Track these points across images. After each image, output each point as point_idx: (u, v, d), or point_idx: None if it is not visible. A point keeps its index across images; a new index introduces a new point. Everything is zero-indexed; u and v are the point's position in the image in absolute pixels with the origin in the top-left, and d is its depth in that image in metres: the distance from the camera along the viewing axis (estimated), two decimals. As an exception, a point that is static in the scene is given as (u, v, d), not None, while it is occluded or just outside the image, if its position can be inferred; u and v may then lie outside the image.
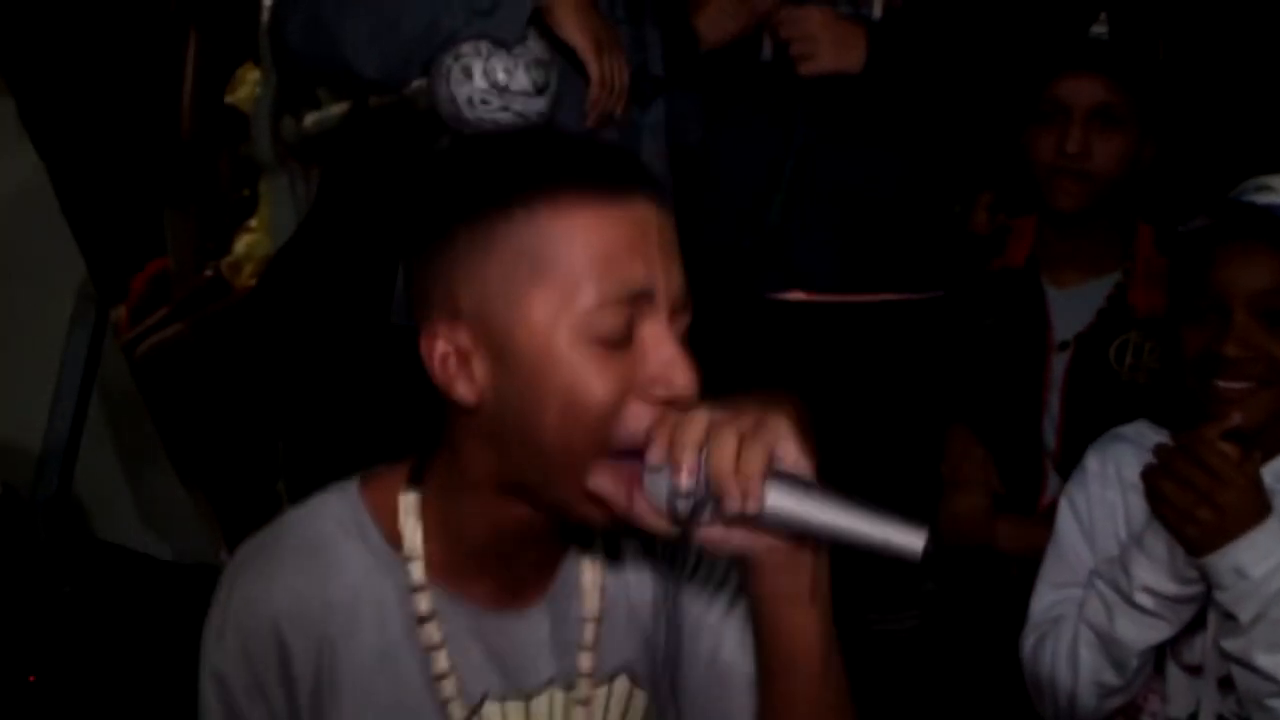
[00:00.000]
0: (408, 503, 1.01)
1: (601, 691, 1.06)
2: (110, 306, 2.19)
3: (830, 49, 1.82)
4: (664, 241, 0.94)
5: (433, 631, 1.01)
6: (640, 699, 1.08)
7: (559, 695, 1.05)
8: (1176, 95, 2.08)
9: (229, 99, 2.84)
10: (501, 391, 0.94)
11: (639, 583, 1.07)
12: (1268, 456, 1.43)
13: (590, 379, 0.91)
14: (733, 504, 0.88)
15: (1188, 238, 1.50)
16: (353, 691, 1.01)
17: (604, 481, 0.92)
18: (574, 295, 0.91)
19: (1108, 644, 1.47)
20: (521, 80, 1.62)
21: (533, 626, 1.04)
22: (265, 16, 2.65)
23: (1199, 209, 1.51)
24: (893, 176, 1.93)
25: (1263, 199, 1.44)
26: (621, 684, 1.07)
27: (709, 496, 0.89)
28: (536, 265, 0.92)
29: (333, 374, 2.04)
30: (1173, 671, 1.50)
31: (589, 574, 1.05)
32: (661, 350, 0.92)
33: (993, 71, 1.92)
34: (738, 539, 0.91)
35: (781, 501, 0.89)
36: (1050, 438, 1.96)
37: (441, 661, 1.01)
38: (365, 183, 2.17)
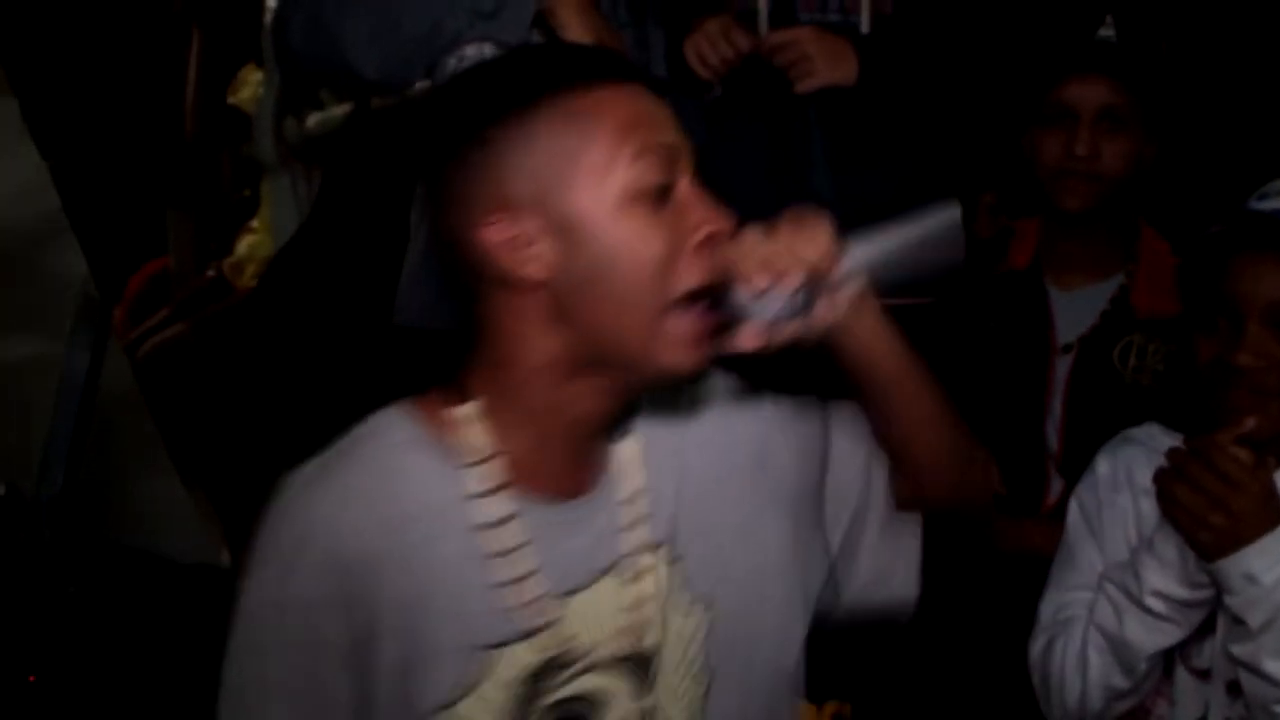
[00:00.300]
0: (465, 413, 1.05)
1: (650, 564, 1.10)
2: (113, 307, 2.18)
3: (824, 64, 1.82)
4: (665, 111, 1.07)
5: (516, 531, 1.04)
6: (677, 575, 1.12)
7: (609, 584, 1.08)
8: (1179, 96, 2.08)
9: (231, 100, 2.84)
10: (568, 263, 1.02)
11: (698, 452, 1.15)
12: None
13: (645, 234, 1.02)
14: (835, 288, 1.06)
15: (1201, 245, 1.50)
16: (440, 600, 1.02)
17: (685, 324, 1.03)
18: (615, 160, 1.02)
19: (1117, 647, 1.47)
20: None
21: (596, 509, 1.09)
22: (268, 17, 2.65)
23: (1211, 216, 1.51)
24: (892, 182, 1.92)
25: (1275, 206, 1.44)
26: (664, 554, 1.11)
27: (795, 292, 1.04)
28: (578, 142, 1.02)
29: (334, 374, 2.03)
30: (1181, 675, 1.50)
31: (633, 447, 1.11)
32: (694, 198, 1.05)
33: (990, 74, 1.92)
34: (832, 311, 1.07)
35: (855, 258, 1.07)
36: (1053, 440, 1.96)
37: (525, 561, 1.04)
38: (367, 184, 2.17)
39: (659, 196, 1.02)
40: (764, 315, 1.05)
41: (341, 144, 2.34)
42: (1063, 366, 1.96)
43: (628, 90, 1.05)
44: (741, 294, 1.04)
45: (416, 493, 1.03)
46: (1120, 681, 1.48)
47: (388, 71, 1.65)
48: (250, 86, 2.83)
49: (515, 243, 1.02)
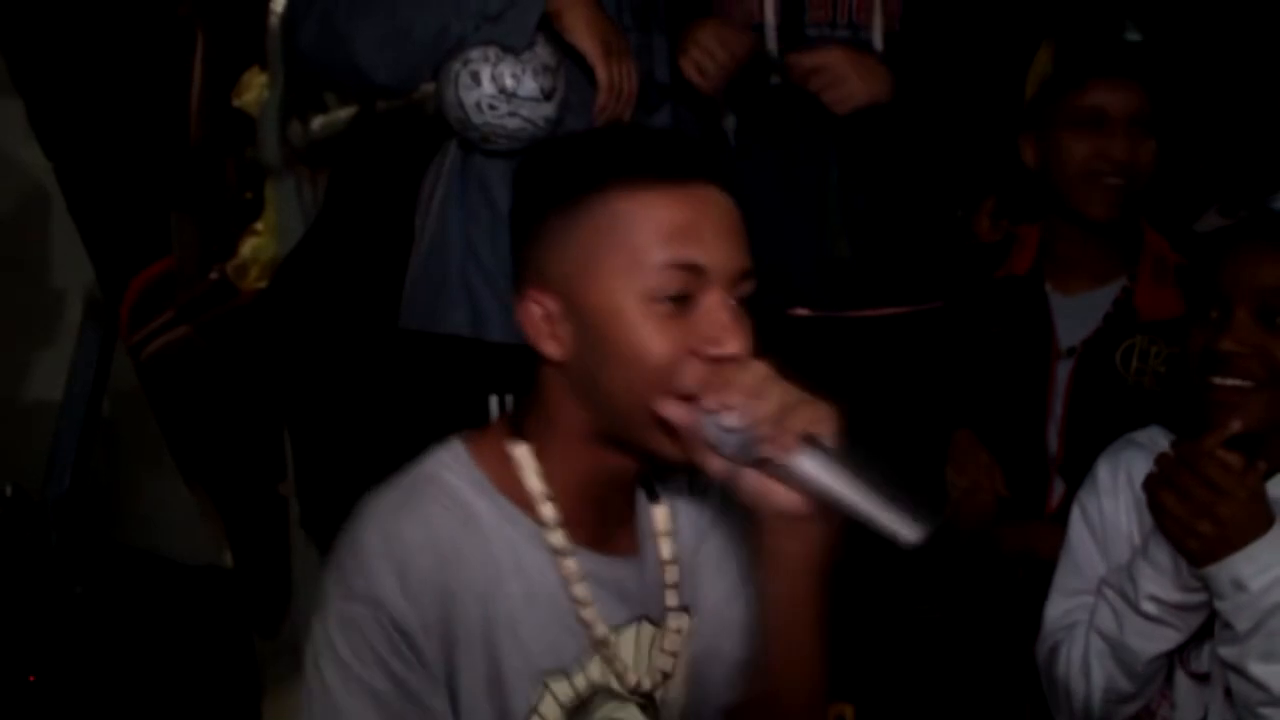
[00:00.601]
0: (522, 454, 1.13)
1: (681, 622, 1.19)
2: (119, 307, 2.19)
3: (860, 84, 1.81)
4: (722, 221, 1.09)
5: (573, 564, 1.12)
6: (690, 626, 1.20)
7: (647, 629, 1.17)
8: (1189, 100, 2.08)
9: (236, 103, 2.84)
10: (582, 348, 1.09)
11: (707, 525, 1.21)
12: (1273, 468, 1.43)
13: (652, 335, 1.06)
14: (770, 449, 1.01)
15: (1204, 240, 1.51)
16: (511, 636, 1.10)
17: (672, 410, 1.05)
18: (640, 262, 1.07)
19: (1118, 651, 1.47)
20: (529, 86, 1.62)
21: (630, 572, 1.16)
22: (272, 20, 2.66)
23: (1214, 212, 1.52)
24: (895, 193, 1.93)
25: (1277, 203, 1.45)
26: (686, 619, 1.19)
27: (751, 439, 1.01)
28: (611, 238, 1.08)
29: (341, 377, 2.04)
30: (1180, 679, 1.50)
31: (662, 515, 1.18)
32: (715, 315, 1.07)
33: (995, 82, 1.93)
34: (770, 490, 1.03)
35: (810, 463, 1.00)
36: (1054, 443, 1.96)
37: (583, 589, 1.12)
38: (373, 187, 2.17)
39: (679, 302, 1.07)
40: (709, 435, 1.03)
41: (347, 147, 2.34)
42: (1064, 370, 1.96)
43: (679, 194, 1.08)
44: (714, 416, 1.03)
45: (491, 532, 1.10)
46: (1124, 685, 1.49)
47: (398, 75, 1.65)
48: (255, 89, 2.84)
49: (545, 320, 1.10)
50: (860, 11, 1.85)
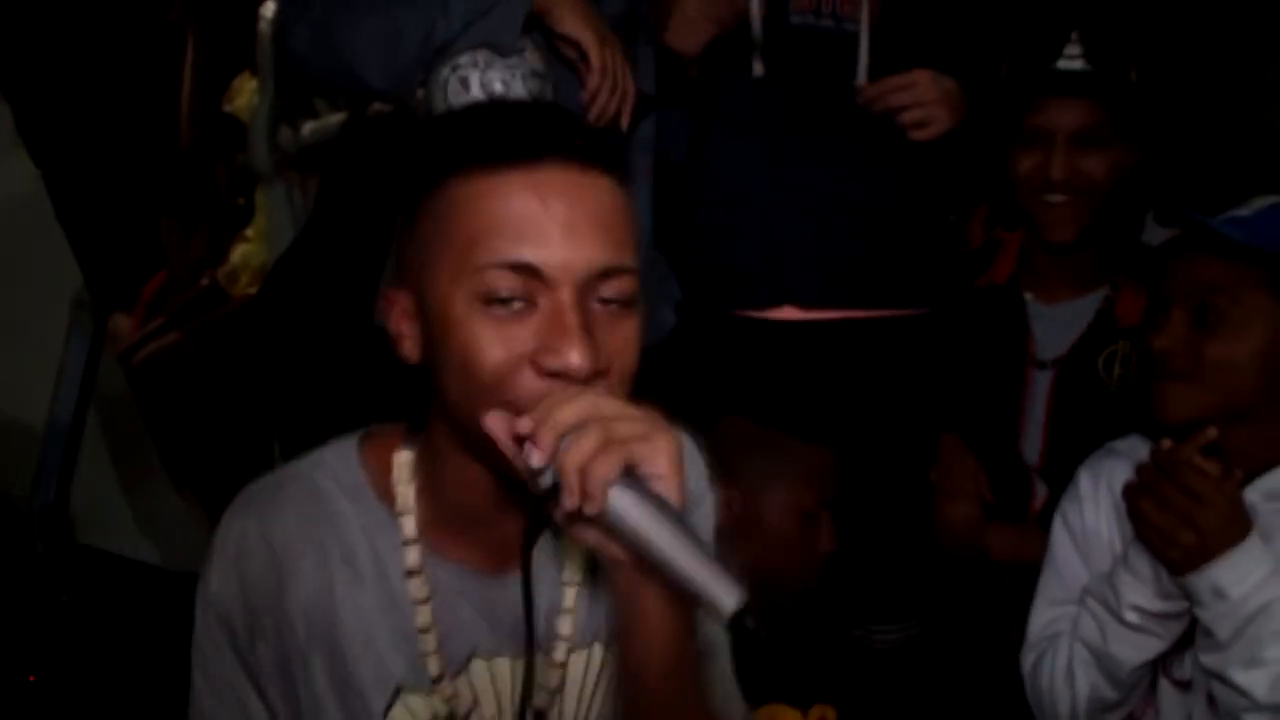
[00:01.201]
0: (401, 461, 1.05)
1: (580, 656, 1.09)
2: (107, 315, 2.18)
3: (945, 112, 1.82)
4: (573, 211, 0.94)
5: (419, 586, 1.03)
6: (602, 658, 1.10)
7: (541, 658, 1.06)
8: (1155, 108, 2.08)
9: (227, 108, 2.84)
10: (428, 351, 0.99)
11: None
12: (1251, 475, 1.45)
13: (481, 342, 0.94)
14: (569, 499, 0.88)
15: (1153, 250, 1.56)
16: (355, 637, 1.04)
17: (495, 425, 0.93)
18: (467, 260, 0.94)
19: (1102, 661, 1.48)
20: (519, 91, 1.60)
21: (506, 589, 1.05)
22: (263, 25, 2.65)
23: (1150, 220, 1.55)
24: (886, 191, 1.93)
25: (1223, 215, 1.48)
26: (597, 650, 1.10)
27: (557, 483, 0.89)
28: (443, 233, 0.96)
29: (329, 382, 2.03)
30: (1164, 686, 1.51)
31: (569, 541, 1.05)
32: (555, 322, 0.93)
33: (979, 88, 1.93)
34: (587, 534, 0.93)
35: (622, 512, 0.88)
36: (1034, 451, 1.97)
37: (424, 615, 1.04)
38: (362, 192, 2.17)
39: (517, 304, 0.94)
40: (523, 464, 0.92)
41: (337, 152, 2.34)
42: (1043, 380, 1.96)
43: (518, 181, 0.94)
44: (518, 427, 0.92)
45: (353, 537, 1.04)
46: (1108, 694, 1.49)
47: (390, 77, 1.62)
48: (245, 94, 2.83)
49: (401, 318, 1.02)
50: (845, 3, 1.85)
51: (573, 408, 0.89)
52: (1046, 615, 1.59)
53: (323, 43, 1.64)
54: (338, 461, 1.07)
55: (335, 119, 2.43)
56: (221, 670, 1.07)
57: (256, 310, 2.61)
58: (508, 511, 1.03)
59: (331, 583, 1.04)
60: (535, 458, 0.89)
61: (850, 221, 1.90)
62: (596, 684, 1.10)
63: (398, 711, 1.05)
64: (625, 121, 1.68)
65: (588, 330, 0.93)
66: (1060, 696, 1.52)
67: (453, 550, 1.05)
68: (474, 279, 0.94)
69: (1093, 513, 1.58)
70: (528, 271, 0.93)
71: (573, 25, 1.62)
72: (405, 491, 1.05)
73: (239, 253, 2.97)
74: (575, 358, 0.92)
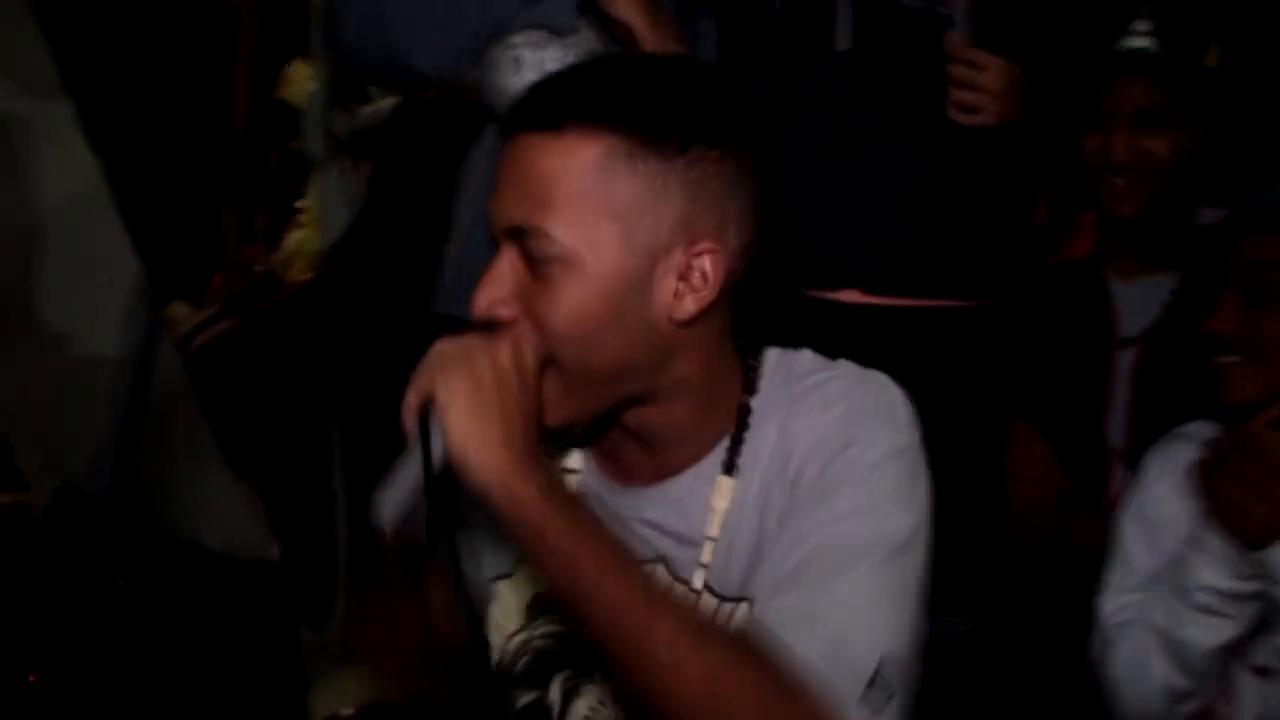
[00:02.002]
0: None
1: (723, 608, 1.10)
2: (166, 302, 2.21)
3: (997, 107, 1.76)
4: (511, 172, 1.03)
5: (569, 482, 1.14)
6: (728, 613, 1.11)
7: (660, 576, 1.09)
8: (1226, 88, 2.04)
9: (280, 94, 2.86)
10: None
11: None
12: None
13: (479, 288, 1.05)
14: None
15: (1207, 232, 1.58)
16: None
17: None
18: None
19: (1174, 647, 1.45)
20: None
21: (637, 503, 1.12)
22: (316, 11, 2.66)
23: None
24: (958, 178, 1.89)
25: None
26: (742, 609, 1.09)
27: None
28: None
29: (386, 366, 2.03)
30: (1240, 675, 1.48)
31: (724, 488, 1.09)
32: (488, 274, 1.04)
33: (1049, 70, 1.88)
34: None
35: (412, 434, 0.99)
36: (1118, 434, 1.93)
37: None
38: (415, 176, 2.17)
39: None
40: None
41: (390, 137, 2.34)
42: (1126, 359, 1.93)
43: (510, 148, 1.04)
44: None
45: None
46: (1180, 681, 1.47)
47: (441, 62, 1.61)
48: (299, 81, 2.85)
49: None
50: None
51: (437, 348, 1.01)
52: (1115, 603, 1.56)
53: (371, 30, 1.64)
54: None
55: (388, 103, 2.44)
56: None
57: (312, 296, 2.62)
58: (620, 438, 1.12)
59: None
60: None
61: (920, 207, 1.86)
62: None
63: (504, 582, 1.17)
64: None
65: (503, 280, 1.03)
66: (1130, 685, 1.50)
67: (606, 468, 1.15)
68: None
69: (1162, 498, 1.56)
70: (493, 226, 1.05)
71: (624, 8, 1.61)
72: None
73: (293, 239, 2.99)
74: (477, 301, 1.03)
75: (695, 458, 1.10)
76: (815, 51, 1.83)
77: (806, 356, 1.13)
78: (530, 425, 0.99)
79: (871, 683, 0.98)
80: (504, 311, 1.02)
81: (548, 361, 1.03)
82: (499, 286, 1.02)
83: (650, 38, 1.60)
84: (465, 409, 0.96)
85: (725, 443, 1.10)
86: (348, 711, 1.97)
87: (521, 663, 1.17)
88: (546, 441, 1.06)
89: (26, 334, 2.40)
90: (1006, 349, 1.97)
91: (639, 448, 1.11)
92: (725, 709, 0.92)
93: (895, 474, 1.05)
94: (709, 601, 1.09)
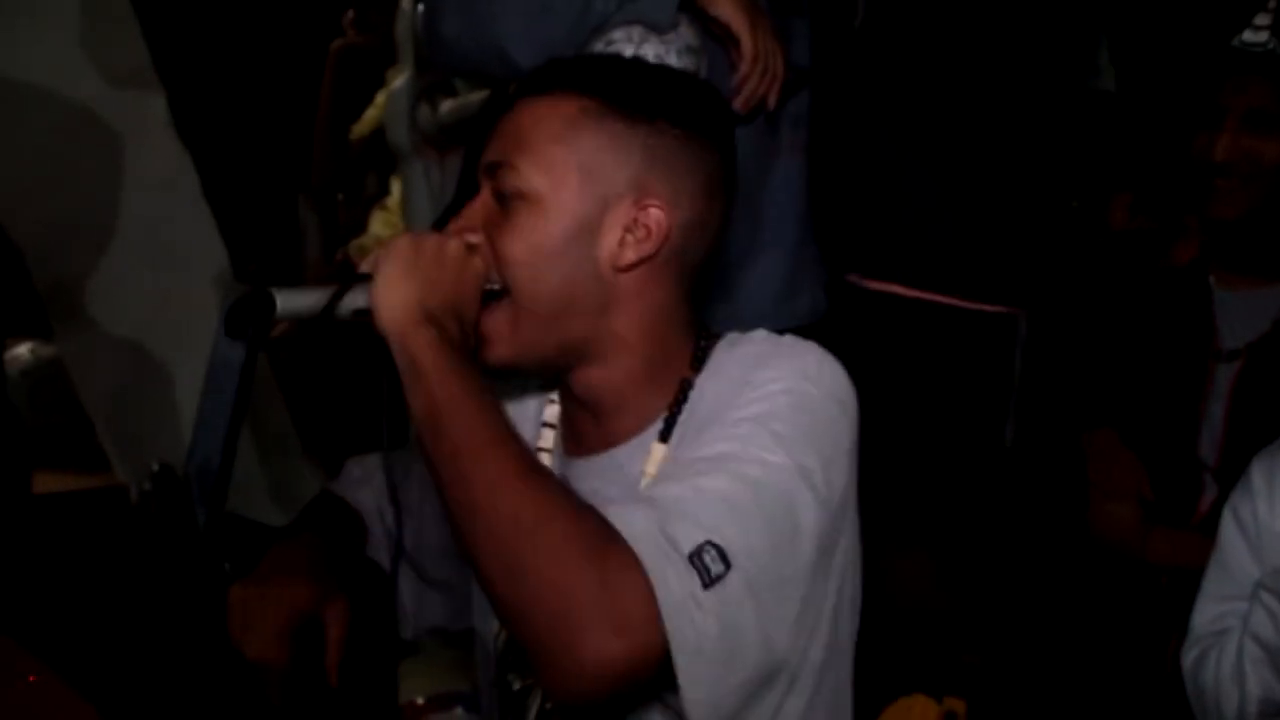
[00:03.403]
0: None
1: None
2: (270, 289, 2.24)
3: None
4: (507, 125, 1.14)
5: (544, 460, 1.21)
6: None
7: None
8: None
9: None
10: None
11: None
12: None
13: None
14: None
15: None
16: None
17: None
18: None
19: (1276, 658, 1.41)
20: (673, 66, 1.60)
21: (585, 474, 1.17)
22: (403, 5, 2.69)
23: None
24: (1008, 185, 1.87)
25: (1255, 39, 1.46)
26: None
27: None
28: None
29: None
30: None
31: (656, 454, 1.13)
32: (470, 208, 1.14)
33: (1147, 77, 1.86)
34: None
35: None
36: (1209, 449, 1.87)
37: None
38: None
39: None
40: None
41: (480, 130, 2.35)
42: (1225, 373, 1.86)
43: (519, 105, 1.15)
44: None
45: (523, 413, 1.24)
46: None
47: (541, 57, 1.61)
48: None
49: None
50: None
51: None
52: (1212, 611, 1.52)
53: (472, 25, 1.65)
54: None
55: (476, 97, 2.45)
56: None
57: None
58: (573, 407, 1.19)
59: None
60: None
61: (967, 209, 1.85)
62: None
63: None
64: (773, 102, 1.67)
65: (469, 212, 1.13)
66: (1227, 695, 1.46)
67: (565, 442, 1.22)
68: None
69: (1266, 507, 1.51)
70: (487, 166, 1.14)
71: (724, 8, 1.61)
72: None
73: (378, 222, 3.02)
74: (451, 227, 1.13)
75: (638, 428, 1.15)
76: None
77: (758, 335, 1.17)
78: (448, 306, 1.06)
79: (691, 557, 0.96)
80: (471, 238, 1.12)
81: (500, 293, 1.12)
82: (470, 218, 1.13)
83: (748, 36, 1.61)
84: (396, 265, 1.06)
85: (659, 422, 1.14)
86: (420, 699, 2.00)
87: (513, 648, 1.21)
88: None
89: (108, 319, 2.46)
90: (1089, 352, 1.94)
91: (589, 418, 1.18)
92: (527, 550, 0.94)
93: (787, 417, 1.06)
94: None
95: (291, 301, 1.12)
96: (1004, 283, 1.90)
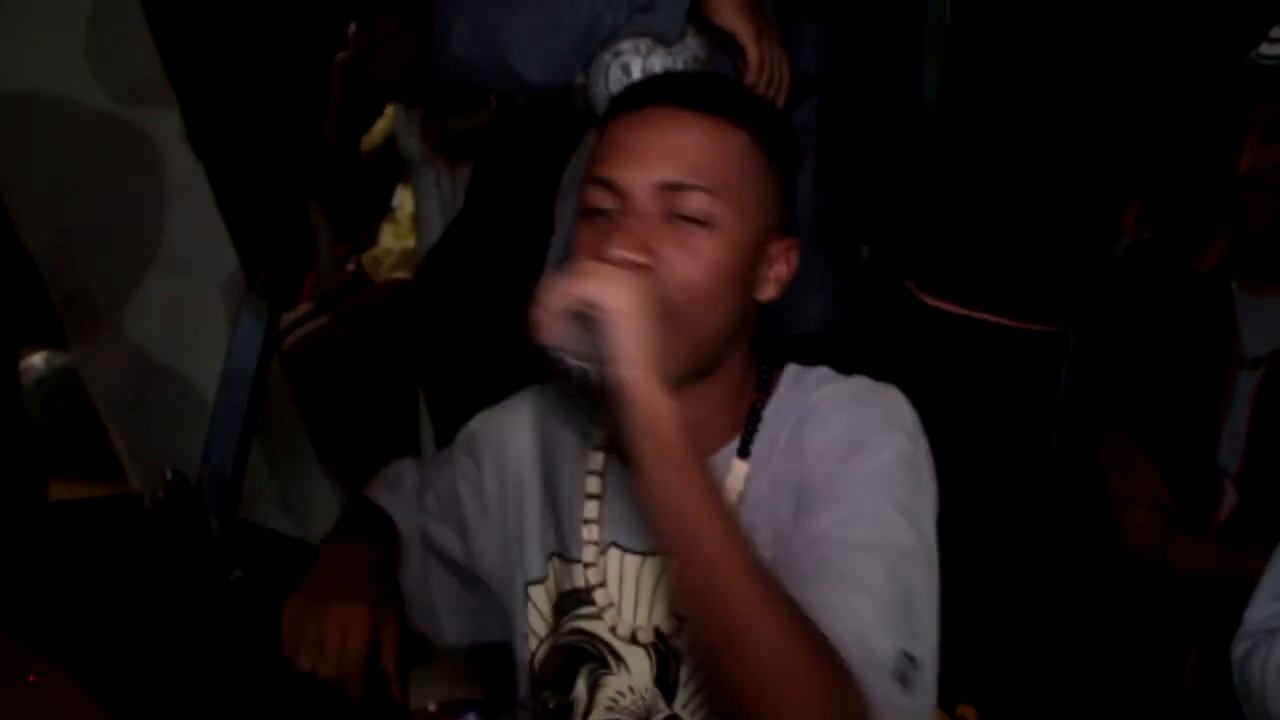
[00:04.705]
0: None
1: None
2: (281, 299, 2.25)
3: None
4: (657, 137, 1.11)
5: (596, 483, 1.22)
6: None
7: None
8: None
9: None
10: None
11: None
12: None
13: (578, 246, 1.12)
14: (543, 336, 1.02)
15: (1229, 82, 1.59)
16: (551, 505, 1.25)
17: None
18: (580, 184, 1.15)
19: None
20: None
21: None
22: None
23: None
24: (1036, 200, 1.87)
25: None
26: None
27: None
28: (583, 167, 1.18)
29: (484, 364, 2.06)
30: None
31: (739, 471, 1.16)
32: (623, 226, 1.09)
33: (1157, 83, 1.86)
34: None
35: (564, 336, 1.00)
36: (1231, 456, 1.84)
37: (593, 485, 1.22)
38: (516, 178, 2.19)
39: (606, 216, 1.11)
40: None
41: (489, 140, 2.36)
42: (1247, 381, 1.84)
43: (630, 118, 1.13)
44: None
45: (568, 429, 1.26)
46: None
47: (550, 70, 1.63)
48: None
49: None
50: None
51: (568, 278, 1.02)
52: (1267, 609, 1.47)
53: (480, 40, 1.66)
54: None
55: (483, 112, 2.46)
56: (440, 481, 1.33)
57: (411, 297, 2.65)
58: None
59: (543, 451, 1.27)
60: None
61: (1020, 227, 1.85)
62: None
63: (559, 570, 1.23)
64: (779, 107, 1.68)
65: (636, 232, 1.08)
66: (1273, 691, 1.42)
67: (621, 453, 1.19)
68: (580, 197, 1.13)
69: None
70: (607, 185, 1.11)
71: (730, 18, 1.61)
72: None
73: (388, 234, 3.03)
74: (614, 247, 1.06)
75: (713, 448, 1.16)
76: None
77: (822, 370, 1.20)
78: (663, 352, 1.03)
79: (894, 671, 1.00)
80: (641, 259, 1.07)
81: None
82: (635, 236, 1.08)
83: (754, 46, 1.61)
84: (640, 318, 0.99)
85: (739, 436, 1.17)
86: (432, 707, 2.00)
87: (550, 666, 1.23)
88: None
89: (122, 328, 2.48)
90: (1109, 359, 1.94)
91: None
92: (793, 672, 0.93)
93: (902, 482, 1.09)
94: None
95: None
96: (1055, 301, 1.89)
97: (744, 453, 1.16)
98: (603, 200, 1.11)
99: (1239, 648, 1.49)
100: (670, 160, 1.10)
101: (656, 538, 1.00)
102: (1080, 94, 1.88)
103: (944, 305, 1.94)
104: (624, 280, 1.00)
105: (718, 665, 0.96)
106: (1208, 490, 1.86)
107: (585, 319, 0.99)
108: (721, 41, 1.64)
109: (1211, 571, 1.69)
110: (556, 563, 1.24)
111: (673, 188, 1.09)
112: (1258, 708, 1.46)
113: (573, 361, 1.01)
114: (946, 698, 1.70)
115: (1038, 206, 1.89)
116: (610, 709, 1.20)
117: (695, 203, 1.09)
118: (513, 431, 1.30)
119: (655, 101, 1.13)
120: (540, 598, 1.25)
